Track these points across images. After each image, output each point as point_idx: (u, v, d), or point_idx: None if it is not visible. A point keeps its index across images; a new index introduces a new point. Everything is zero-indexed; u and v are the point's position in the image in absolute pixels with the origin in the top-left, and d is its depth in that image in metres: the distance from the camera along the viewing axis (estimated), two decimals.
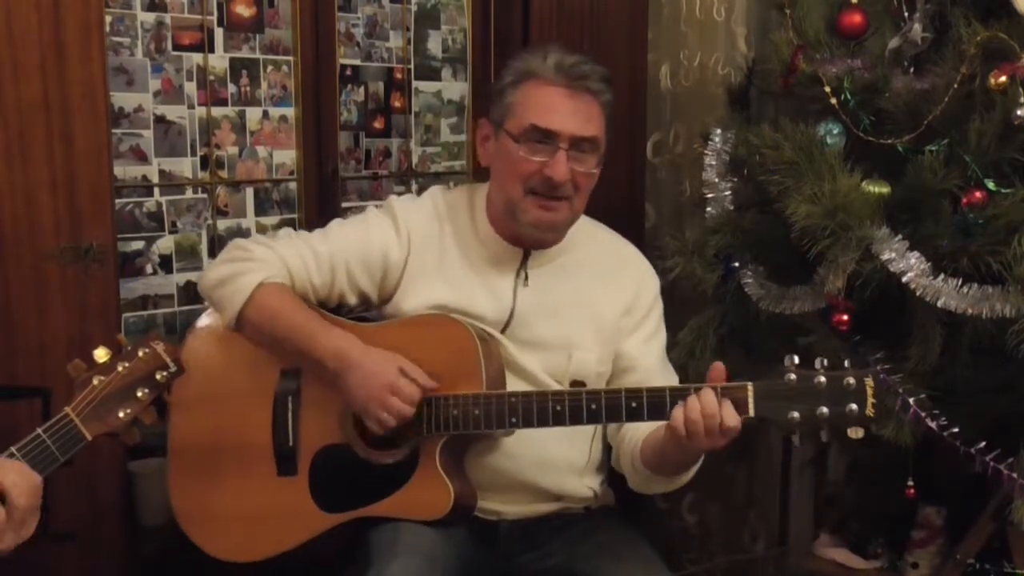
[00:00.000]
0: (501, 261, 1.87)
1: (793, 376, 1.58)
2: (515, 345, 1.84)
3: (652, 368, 1.90)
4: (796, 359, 1.59)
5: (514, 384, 1.80)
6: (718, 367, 1.63)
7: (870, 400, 1.55)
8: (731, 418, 1.57)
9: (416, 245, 1.87)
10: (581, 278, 1.89)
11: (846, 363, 1.59)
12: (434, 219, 1.90)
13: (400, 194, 2.63)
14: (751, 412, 1.58)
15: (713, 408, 1.57)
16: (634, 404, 1.65)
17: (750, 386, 1.59)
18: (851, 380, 1.56)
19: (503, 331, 1.84)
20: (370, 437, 1.80)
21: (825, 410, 1.56)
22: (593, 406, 1.67)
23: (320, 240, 1.87)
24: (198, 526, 1.88)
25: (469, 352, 1.75)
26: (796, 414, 1.56)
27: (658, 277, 1.99)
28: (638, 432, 1.80)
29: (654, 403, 1.64)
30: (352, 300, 1.89)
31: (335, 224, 1.93)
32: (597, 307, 1.89)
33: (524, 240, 1.85)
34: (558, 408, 1.68)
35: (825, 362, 1.58)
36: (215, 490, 1.86)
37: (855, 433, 1.56)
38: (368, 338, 1.79)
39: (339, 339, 1.77)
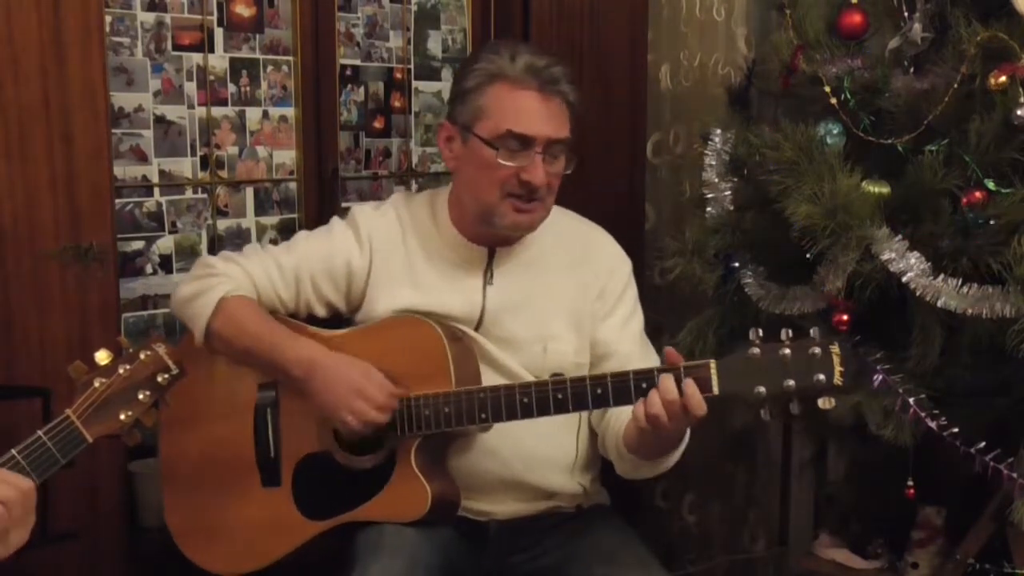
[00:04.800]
0: (467, 262, 1.87)
1: (757, 350, 1.54)
2: (491, 342, 1.84)
3: (631, 353, 1.89)
4: (760, 332, 1.55)
5: (493, 381, 1.80)
6: (670, 352, 1.61)
7: (837, 368, 1.51)
8: (693, 396, 1.54)
9: (379, 252, 1.88)
10: (549, 269, 1.89)
11: (812, 332, 1.54)
12: (396, 225, 1.90)
13: None
14: (715, 390, 1.55)
15: (672, 394, 1.55)
16: (599, 391, 1.64)
17: (713, 363, 1.56)
18: (816, 349, 1.52)
19: (476, 329, 1.85)
20: (349, 443, 1.81)
21: (792, 382, 1.51)
22: (559, 395, 1.67)
23: (285, 253, 1.89)
24: (191, 541, 1.90)
25: (437, 352, 1.76)
26: (762, 389, 1.52)
27: (630, 260, 1.98)
28: (621, 417, 1.79)
29: (619, 388, 1.63)
30: (320, 311, 1.90)
31: (300, 236, 1.95)
32: (568, 296, 1.89)
33: (489, 239, 1.86)
34: (525, 400, 1.68)
35: (790, 333, 1.54)
36: (205, 505, 1.88)
37: (826, 403, 1.52)
38: (336, 345, 1.81)
39: (303, 347, 1.78)
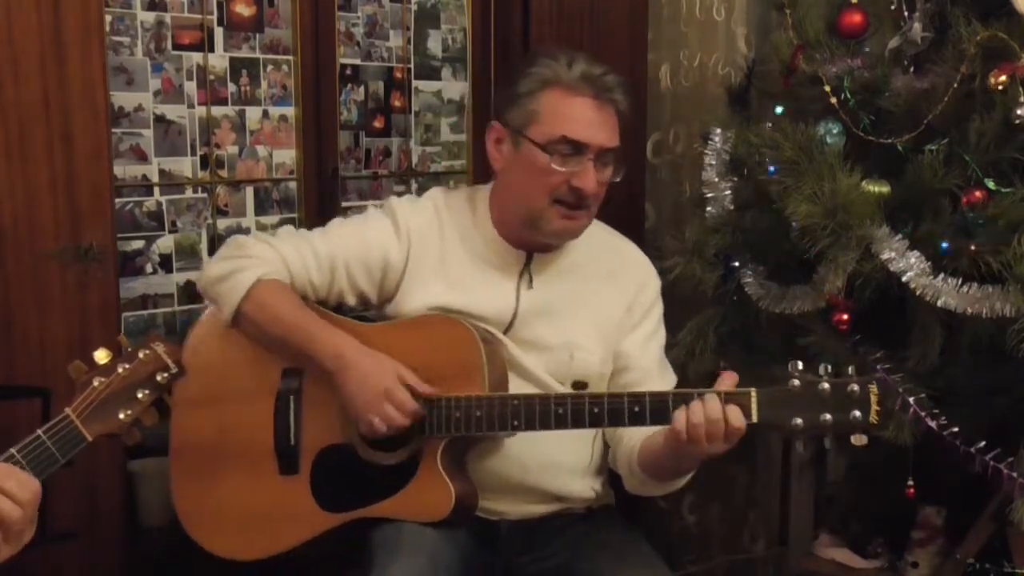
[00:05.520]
0: (504, 264, 1.87)
1: (797, 382, 1.56)
2: (517, 346, 1.84)
3: (649, 369, 1.89)
4: (800, 365, 1.58)
5: (516, 384, 1.80)
6: (729, 376, 1.62)
7: (874, 408, 1.54)
8: (737, 420, 1.56)
9: (416, 246, 1.86)
10: (583, 278, 1.89)
11: (850, 370, 1.58)
12: (434, 220, 1.89)
13: (400, 194, 2.64)
14: (754, 419, 1.57)
15: (717, 413, 1.56)
16: (636, 408, 1.64)
17: (754, 392, 1.58)
18: (855, 387, 1.55)
19: (505, 332, 1.84)
20: (372, 438, 1.80)
21: (829, 417, 1.55)
22: (595, 409, 1.66)
23: (320, 239, 1.87)
24: (199, 524, 1.87)
25: (471, 353, 1.75)
26: (800, 421, 1.55)
27: (659, 276, 1.99)
28: (636, 434, 1.79)
29: (657, 407, 1.63)
30: (351, 300, 1.89)
31: (335, 223, 1.93)
32: (600, 307, 1.88)
33: (529, 244, 1.85)
34: (560, 411, 1.67)
35: (829, 368, 1.57)
36: (217, 488, 1.86)
37: (858, 440, 1.56)
38: (369, 339, 1.79)
39: (337, 339, 1.76)
